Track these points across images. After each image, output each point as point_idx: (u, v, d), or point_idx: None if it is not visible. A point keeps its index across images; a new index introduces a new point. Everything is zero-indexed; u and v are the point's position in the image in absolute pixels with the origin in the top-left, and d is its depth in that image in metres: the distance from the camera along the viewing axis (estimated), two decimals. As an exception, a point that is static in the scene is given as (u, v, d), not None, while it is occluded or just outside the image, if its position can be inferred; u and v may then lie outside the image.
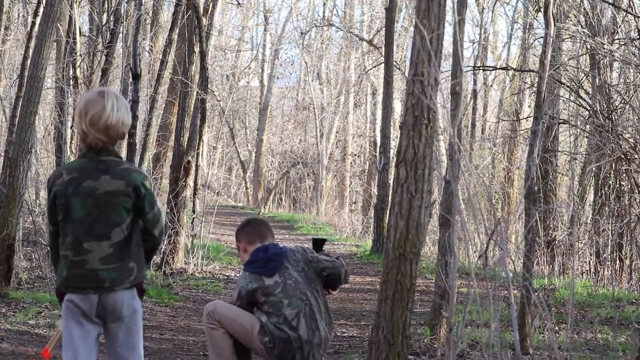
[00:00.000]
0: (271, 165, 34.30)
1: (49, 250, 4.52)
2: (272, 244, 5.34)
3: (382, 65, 18.24)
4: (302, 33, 31.38)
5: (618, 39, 13.26)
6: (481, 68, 20.85)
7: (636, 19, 12.48)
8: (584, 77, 13.68)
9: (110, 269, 3.93)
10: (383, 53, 18.00)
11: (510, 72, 21.53)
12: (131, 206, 3.96)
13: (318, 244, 5.58)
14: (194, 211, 12.89)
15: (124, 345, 4.11)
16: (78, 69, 13.67)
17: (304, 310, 5.13)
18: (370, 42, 26.23)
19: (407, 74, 6.82)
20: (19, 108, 9.99)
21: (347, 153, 31.01)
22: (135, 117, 10.78)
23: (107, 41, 12.54)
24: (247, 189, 34.40)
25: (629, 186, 12.35)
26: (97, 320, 4.04)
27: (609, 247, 12.07)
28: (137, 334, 4.11)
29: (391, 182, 11.07)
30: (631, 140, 12.03)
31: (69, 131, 13.48)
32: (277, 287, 5.13)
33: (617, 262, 11.86)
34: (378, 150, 17.43)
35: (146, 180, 4.01)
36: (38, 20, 10.72)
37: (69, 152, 13.28)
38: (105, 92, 3.99)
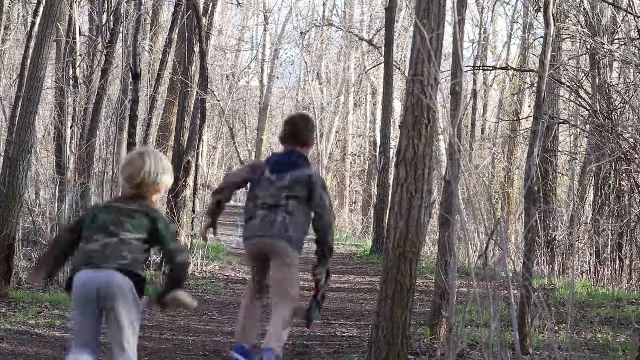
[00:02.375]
0: (271, 165, 34.26)
1: None
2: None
3: (382, 65, 18.25)
4: (302, 33, 31.36)
5: (618, 39, 13.26)
6: (481, 68, 20.85)
7: (636, 19, 12.48)
8: (584, 77, 13.67)
9: None
10: (383, 53, 18.01)
11: (510, 72, 21.52)
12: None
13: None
14: (194, 211, 12.89)
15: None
16: (78, 69, 13.67)
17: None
18: (370, 42, 26.22)
19: (407, 74, 6.81)
20: (19, 108, 9.99)
21: (347, 153, 31.01)
22: (135, 117, 10.78)
23: (107, 41, 12.55)
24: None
25: (629, 186, 12.35)
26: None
27: (609, 247, 12.07)
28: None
29: (391, 182, 11.07)
30: (631, 140, 12.03)
31: (69, 131, 13.49)
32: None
33: (617, 262, 11.86)
34: (378, 150, 17.43)
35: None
36: (38, 20, 10.73)
37: (68, 152, 13.28)
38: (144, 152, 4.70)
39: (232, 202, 33.60)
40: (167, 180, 4.64)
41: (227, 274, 12.48)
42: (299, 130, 5.94)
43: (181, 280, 4.59)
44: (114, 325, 4.39)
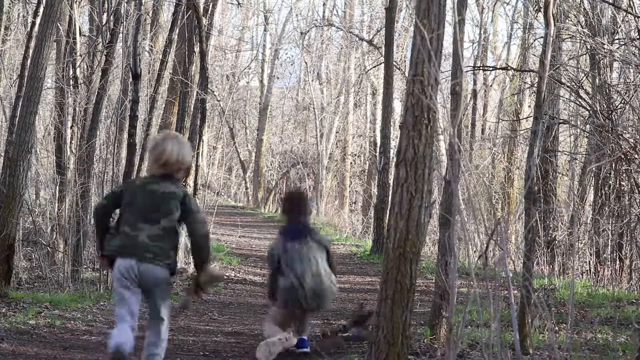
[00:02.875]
0: (271, 165, 34.30)
1: None
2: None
3: (382, 65, 18.25)
4: (302, 33, 31.37)
5: (618, 39, 13.25)
6: (481, 68, 20.85)
7: (636, 19, 12.48)
8: (584, 77, 13.67)
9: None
10: (383, 53, 18.01)
11: (510, 72, 21.53)
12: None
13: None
14: (193, 211, 12.87)
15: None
16: (78, 69, 13.66)
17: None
18: (370, 42, 26.22)
19: (407, 74, 6.81)
20: (19, 108, 9.99)
21: (347, 153, 31.01)
22: (135, 117, 10.77)
23: (107, 41, 12.53)
24: (247, 189, 34.39)
25: (629, 186, 12.35)
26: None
27: (609, 247, 12.07)
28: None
29: (391, 182, 11.07)
30: (631, 140, 12.02)
31: (69, 131, 13.47)
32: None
33: (617, 262, 11.86)
34: (378, 150, 17.43)
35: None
36: (38, 20, 10.72)
37: (68, 152, 13.27)
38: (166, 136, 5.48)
39: (232, 202, 33.64)
40: (188, 159, 5.39)
41: (227, 274, 12.48)
42: (302, 205, 7.28)
43: (204, 249, 5.31)
44: (156, 299, 5.31)
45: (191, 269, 11.18)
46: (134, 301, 5.28)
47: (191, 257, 5.64)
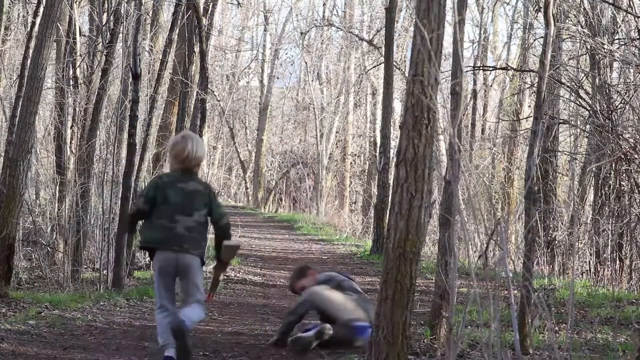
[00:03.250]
0: (271, 165, 34.29)
1: None
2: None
3: (382, 65, 18.25)
4: (302, 33, 31.37)
5: (618, 39, 13.25)
6: (481, 68, 20.86)
7: (636, 19, 12.48)
8: (584, 77, 13.67)
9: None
10: (383, 53, 18.00)
11: (510, 72, 21.53)
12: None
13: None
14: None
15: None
16: (78, 69, 13.67)
17: None
18: (370, 42, 26.22)
19: (407, 74, 6.82)
20: (19, 108, 9.99)
21: (347, 153, 31.00)
22: (135, 117, 10.77)
23: (107, 41, 12.54)
24: (247, 189, 34.39)
25: (629, 186, 12.35)
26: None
27: (609, 247, 12.06)
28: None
29: (391, 182, 11.07)
30: (631, 140, 12.02)
31: (69, 131, 13.49)
32: None
33: (617, 262, 11.85)
34: (378, 150, 17.42)
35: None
36: (38, 20, 10.73)
37: (68, 152, 13.28)
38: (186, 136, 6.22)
39: (232, 202, 33.63)
40: (203, 155, 6.19)
41: (227, 274, 12.47)
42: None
43: (226, 236, 6.18)
44: (191, 285, 6.04)
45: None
46: (172, 287, 6.06)
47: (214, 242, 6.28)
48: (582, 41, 13.49)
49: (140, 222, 6.27)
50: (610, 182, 12.63)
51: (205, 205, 6.03)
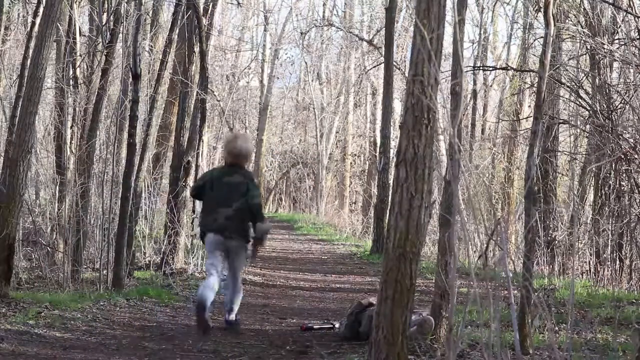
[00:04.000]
0: (271, 165, 34.29)
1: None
2: None
3: (382, 65, 18.25)
4: (302, 33, 31.36)
5: (618, 39, 13.24)
6: (481, 68, 20.84)
7: (636, 19, 12.47)
8: (584, 77, 13.66)
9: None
10: (383, 53, 18.00)
11: (510, 72, 21.51)
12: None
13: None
14: (194, 211, 12.89)
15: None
16: (78, 69, 13.67)
17: None
18: (370, 42, 26.21)
19: (407, 74, 6.82)
20: (19, 108, 9.99)
21: (347, 153, 31.00)
22: (135, 117, 10.77)
23: (107, 41, 12.54)
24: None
25: (629, 186, 12.34)
26: None
27: (609, 247, 12.06)
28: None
29: (391, 182, 11.07)
30: (631, 140, 12.02)
31: (69, 131, 13.48)
32: None
33: (617, 262, 11.85)
34: (378, 150, 17.43)
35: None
36: (38, 20, 10.73)
37: (68, 152, 13.28)
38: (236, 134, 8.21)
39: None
40: (251, 152, 8.00)
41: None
42: None
43: (256, 215, 7.59)
44: (234, 267, 7.83)
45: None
46: (218, 262, 7.68)
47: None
48: (582, 41, 13.48)
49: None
50: (610, 182, 12.62)
51: (243, 195, 7.49)
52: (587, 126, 13.66)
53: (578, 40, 13.98)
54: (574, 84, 13.39)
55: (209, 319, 7.59)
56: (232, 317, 7.98)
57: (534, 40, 17.42)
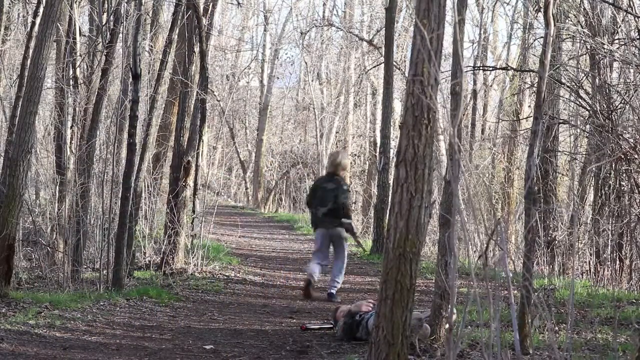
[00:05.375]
0: (271, 165, 34.28)
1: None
2: None
3: (382, 65, 18.24)
4: (302, 33, 31.35)
5: (618, 39, 13.24)
6: (481, 68, 20.84)
7: (636, 19, 12.48)
8: (584, 77, 13.66)
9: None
10: (383, 53, 17.99)
11: (510, 72, 21.52)
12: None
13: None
14: (194, 211, 12.89)
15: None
16: (78, 69, 13.66)
17: None
18: (370, 42, 26.21)
19: (407, 74, 6.82)
20: (19, 108, 9.99)
21: (347, 153, 30.98)
22: (135, 117, 10.77)
23: (107, 41, 12.53)
24: (247, 189, 34.39)
25: (629, 186, 12.34)
26: None
27: (609, 247, 12.06)
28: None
29: (391, 182, 11.09)
30: (631, 140, 12.02)
31: (68, 131, 13.47)
32: None
33: (617, 262, 11.85)
34: (378, 150, 17.42)
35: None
36: (38, 20, 10.73)
37: (68, 152, 13.27)
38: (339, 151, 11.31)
39: (232, 203, 33.60)
40: (346, 165, 10.63)
41: (227, 274, 12.48)
42: None
43: (346, 214, 10.25)
44: (336, 247, 10.40)
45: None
46: (325, 249, 10.41)
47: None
48: (582, 41, 13.48)
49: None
50: (610, 182, 12.62)
51: (335, 197, 10.16)
52: (587, 126, 13.65)
53: (578, 40, 13.98)
54: (574, 84, 13.39)
55: (313, 289, 10.35)
56: (334, 291, 10.29)
57: (534, 40, 17.41)
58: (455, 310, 5.05)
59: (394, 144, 16.17)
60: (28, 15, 17.12)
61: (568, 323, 6.98)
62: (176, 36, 13.99)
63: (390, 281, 5.10)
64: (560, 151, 15.63)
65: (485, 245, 3.76)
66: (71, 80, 13.59)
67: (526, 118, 17.48)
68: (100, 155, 12.87)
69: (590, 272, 12.09)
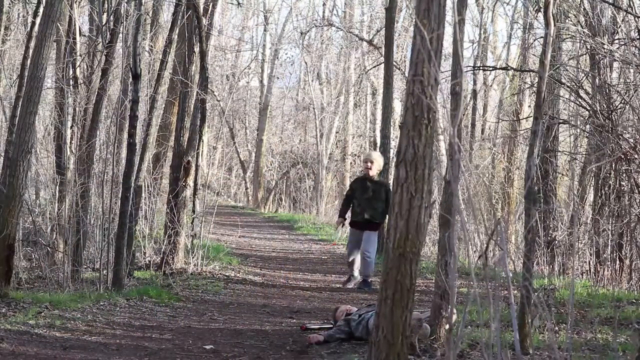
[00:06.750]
0: (271, 165, 34.28)
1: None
2: None
3: (382, 65, 18.23)
4: (302, 33, 31.35)
5: (618, 39, 13.24)
6: (481, 68, 20.84)
7: (636, 19, 12.48)
8: (584, 77, 13.66)
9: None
10: (383, 53, 17.99)
11: (510, 72, 21.52)
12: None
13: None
14: (194, 211, 12.89)
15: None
16: (78, 69, 13.66)
17: None
18: (370, 42, 26.20)
19: (407, 74, 6.81)
20: (19, 108, 9.99)
21: (347, 153, 30.98)
22: (135, 117, 10.77)
23: (107, 41, 12.53)
24: (247, 189, 34.38)
25: (629, 186, 12.34)
26: None
27: (609, 247, 12.06)
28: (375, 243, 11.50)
29: (391, 182, 11.10)
30: (631, 140, 12.02)
31: (68, 131, 13.47)
32: None
33: (617, 262, 11.84)
34: (378, 150, 17.40)
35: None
36: (38, 20, 10.73)
37: (68, 152, 13.27)
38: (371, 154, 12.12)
39: (232, 202, 33.60)
40: (381, 166, 11.79)
41: (227, 274, 12.48)
42: None
43: (386, 213, 11.12)
44: (369, 243, 11.26)
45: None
46: (357, 244, 11.28)
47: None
48: (582, 41, 13.48)
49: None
50: (610, 182, 12.62)
51: (382, 196, 11.18)
52: (587, 126, 13.65)
53: (578, 40, 13.98)
54: (574, 84, 13.39)
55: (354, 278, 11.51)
56: (369, 280, 11.51)
57: (534, 40, 17.41)
58: (455, 310, 5.07)
59: (394, 144, 16.16)
60: (28, 15, 17.12)
61: (568, 323, 6.98)
62: (176, 36, 14.00)
63: (390, 281, 5.10)
64: (560, 151, 15.63)
65: (485, 245, 3.76)
66: (71, 80, 13.59)
67: (526, 118, 17.49)
68: (100, 155, 12.87)
69: (590, 272, 12.09)
